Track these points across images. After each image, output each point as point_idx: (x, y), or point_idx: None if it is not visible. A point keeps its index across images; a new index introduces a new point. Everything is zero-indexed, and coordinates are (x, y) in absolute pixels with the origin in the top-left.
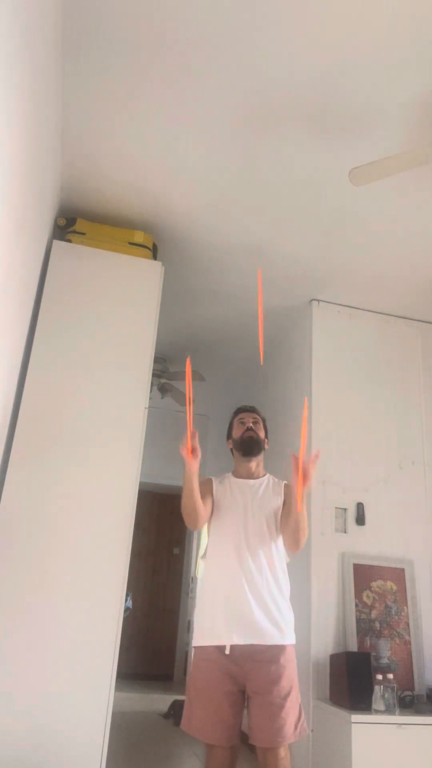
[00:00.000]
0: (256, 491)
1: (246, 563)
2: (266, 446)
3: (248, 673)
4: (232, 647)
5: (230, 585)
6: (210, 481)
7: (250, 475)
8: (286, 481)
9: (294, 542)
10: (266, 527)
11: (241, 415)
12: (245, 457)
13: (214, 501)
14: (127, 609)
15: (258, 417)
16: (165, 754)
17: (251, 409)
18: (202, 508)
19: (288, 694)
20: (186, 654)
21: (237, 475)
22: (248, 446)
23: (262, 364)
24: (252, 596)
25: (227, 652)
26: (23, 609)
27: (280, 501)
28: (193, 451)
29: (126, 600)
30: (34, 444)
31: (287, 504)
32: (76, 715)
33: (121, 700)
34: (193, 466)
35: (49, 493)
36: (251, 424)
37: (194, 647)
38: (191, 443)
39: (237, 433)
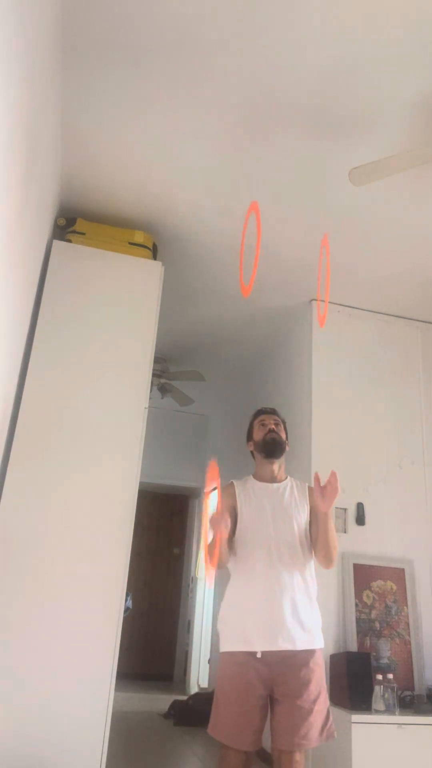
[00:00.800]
0: (282, 495)
1: (278, 568)
2: (288, 448)
3: (278, 676)
4: (264, 652)
5: (262, 590)
6: (232, 487)
7: (273, 479)
8: (309, 484)
9: (326, 560)
10: (296, 533)
11: (261, 417)
12: (267, 459)
13: (237, 507)
14: (127, 609)
15: (279, 419)
16: (165, 754)
17: (272, 411)
18: (227, 552)
19: (317, 698)
20: (186, 654)
21: (259, 478)
22: (271, 448)
23: (245, 296)
24: (284, 601)
25: (259, 656)
26: (23, 609)
27: (306, 506)
28: (225, 526)
29: (126, 600)
30: (34, 444)
31: (312, 508)
32: (76, 715)
33: (121, 700)
34: (225, 534)
35: (50, 494)
36: (273, 426)
37: (223, 652)
38: (223, 520)
39: (258, 435)
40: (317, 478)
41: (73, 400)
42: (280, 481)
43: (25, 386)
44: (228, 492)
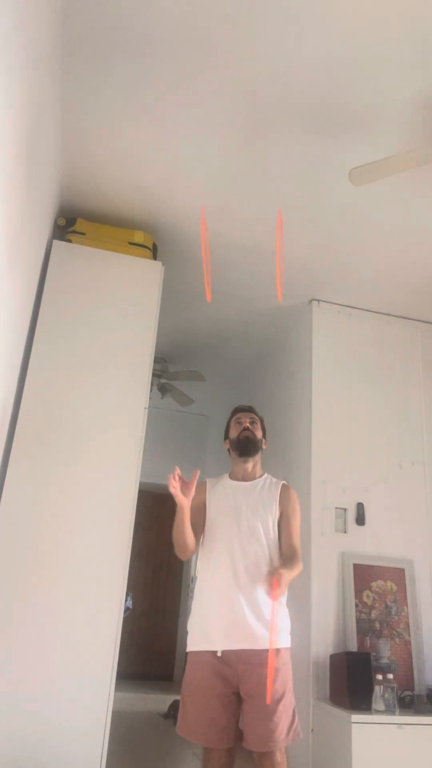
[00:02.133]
0: (251, 493)
1: (238, 567)
2: (264, 446)
3: (241, 675)
4: (224, 651)
5: (222, 589)
6: (203, 486)
7: (246, 477)
8: (284, 482)
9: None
10: (261, 530)
11: (238, 415)
12: (241, 457)
13: (206, 506)
14: (127, 609)
15: (256, 417)
16: (165, 754)
17: (248, 409)
18: (192, 543)
19: (281, 698)
20: (186, 654)
21: (233, 476)
22: (245, 446)
23: (280, 300)
24: (244, 600)
25: (219, 655)
26: (23, 609)
27: (275, 503)
28: (186, 486)
29: (126, 600)
30: (34, 444)
31: (283, 507)
32: (76, 715)
33: (121, 700)
34: (183, 502)
35: (50, 493)
36: (248, 424)
37: (188, 652)
38: (181, 481)
39: (234, 433)
40: (274, 581)
41: (73, 400)
42: (252, 479)
43: (25, 386)
44: (200, 490)
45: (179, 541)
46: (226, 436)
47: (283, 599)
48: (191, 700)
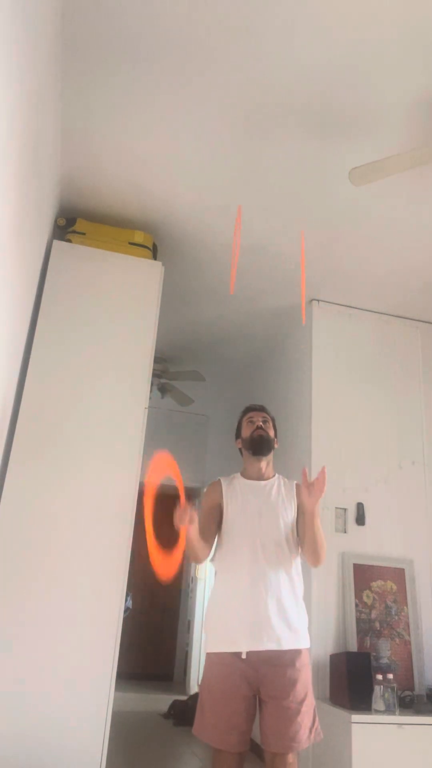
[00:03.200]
0: (269, 493)
1: (262, 567)
2: (276, 445)
3: (264, 677)
4: (249, 653)
5: (246, 589)
6: (218, 485)
7: (260, 476)
8: (297, 482)
9: (313, 558)
10: (282, 530)
11: (250, 414)
12: (255, 456)
13: (222, 505)
14: (127, 609)
15: (267, 416)
16: (165, 754)
17: (260, 408)
18: (204, 550)
19: (304, 699)
20: (186, 654)
21: (246, 475)
22: (258, 445)
23: (231, 293)
24: (270, 600)
25: (243, 657)
26: (23, 609)
27: (293, 504)
28: (191, 520)
29: (126, 600)
30: (34, 444)
31: (300, 506)
32: (76, 715)
33: (121, 700)
34: (193, 530)
35: (50, 493)
36: (261, 423)
37: (208, 653)
38: (187, 515)
39: (246, 432)
40: (305, 474)
41: (73, 400)
42: (267, 479)
43: (25, 386)
44: (214, 489)
45: (192, 555)
46: (238, 435)
47: (301, 595)
48: (212, 703)
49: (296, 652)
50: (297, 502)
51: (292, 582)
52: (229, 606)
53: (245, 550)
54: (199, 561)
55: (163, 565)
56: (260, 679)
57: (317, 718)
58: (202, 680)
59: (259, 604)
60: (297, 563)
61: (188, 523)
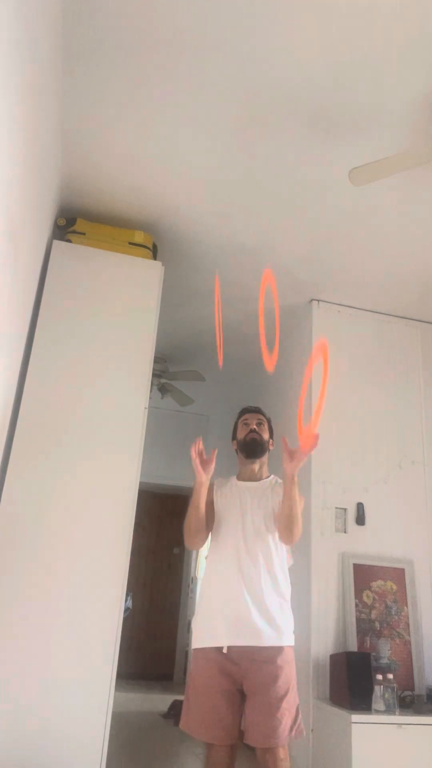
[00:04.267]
0: (256, 493)
1: (244, 565)
2: (271, 447)
3: (246, 672)
4: (230, 648)
5: (228, 587)
6: (211, 486)
7: (253, 477)
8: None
9: (287, 532)
10: (264, 528)
11: (245, 416)
12: (248, 459)
13: (214, 505)
14: (127, 609)
15: (263, 418)
16: (165, 754)
17: (256, 410)
18: (204, 531)
19: (284, 696)
20: (186, 654)
21: (240, 477)
22: (251, 448)
23: (220, 367)
24: (250, 598)
25: (224, 651)
26: (23, 609)
27: (277, 499)
28: (205, 462)
29: (126, 600)
30: (34, 444)
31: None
32: (76, 715)
33: (121, 700)
34: (203, 477)
35: (50, 493)
36: (255, 426)
37: (193, 649)
38: (202, 449)
39: (241, 434)
40: (285, 442)
41: (73, 400)
42: (260, 480)
43: (25, 386)
44: (209, 489)
45: (192, 523)
46: (234, 437)
47: (288, 597)
48: (195, 697)
49: (278, 649)
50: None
51: (275, 580)
52: (213, 603)
53: (229, 548)
54: (197, 537)
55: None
56: (242, 673)
57: (300, 716)
58: (188, 676)
59: (239, 600)
60: (283, 563)
61: (203, 463)
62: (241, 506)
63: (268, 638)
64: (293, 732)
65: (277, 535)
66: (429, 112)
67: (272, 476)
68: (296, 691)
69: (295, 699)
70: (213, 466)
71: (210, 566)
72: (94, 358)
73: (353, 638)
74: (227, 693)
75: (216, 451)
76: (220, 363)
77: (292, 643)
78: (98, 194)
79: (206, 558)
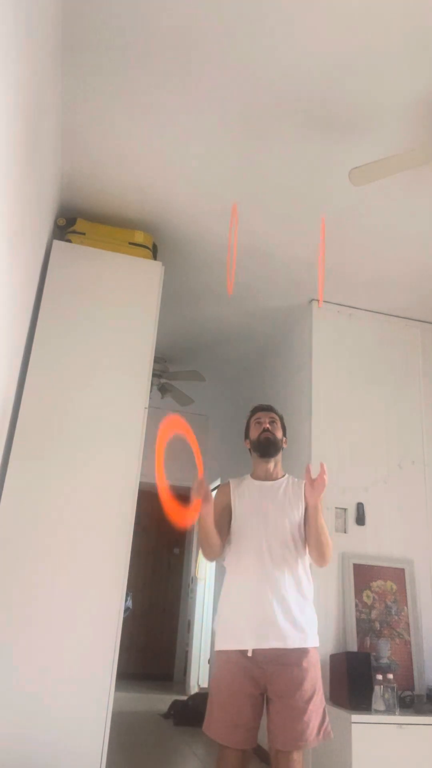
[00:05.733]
0: (276, 493)
1: (268, 567)
2: (285, 445)
3: (270, 676)
4: (255, 651)
5: (253, 589)
6: (227, 487)
7: (269, 477)
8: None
9: (319, 557)
10: (288, 530)
11: (257, 415)
12: (263, 458)
13: (231, 506)
14: (127, 609)
15: (275, 416)
16: (165, 754)
17: (268, 408)
18: (219, 544)
19: (311, 698)
20: (186, 654)
21: (255, 476)
22: (265, 447)
23: (229, 294)
24: (275, 600)
25: (249, 654)
26: (23, 609)
27: (301, 503)
28: (206, 497)
29: (126, 600)
30: (34, 444)
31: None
32: (76, 715)
33: (121, 700)
34: (207, 509)
35: (49, 493)
36: (268, 425)
37: (217, 651)
38: (204, 488)
39: (254, 433)
40: (308, 470)
41: (73, 400)
42: (275, 479)
43: (25, 386)
44: (223, 491)
45: (206, 545)
46: (247, 436)
47: (311, 597)
48: (219, 701)
49: (303, 651)
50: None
51: (299, 581)
52: (236, 605)
53: (252, 550)
54: (211, 554)
55: (178, 514)
56: (267, 677)
57: (327, 718)
58: (211, 677)
59: (264, 603)
60: (305, 563)
61: (203, 498)
62: (262, 507)
63: (293, 640)
64: (321, 734)
65: (301, 540)
66: (429, 112)
67: (287, 475)
68: (322, 693)
69: (322, 701)
70: (211, 493)
71: (232, 568)
72: (94, 358)
73: (353, 638)
74: (251, 697)
75: (203, 478)
76: (230, 290)
77: (317, 644)
78: (98, 194)
79: (226, 560)
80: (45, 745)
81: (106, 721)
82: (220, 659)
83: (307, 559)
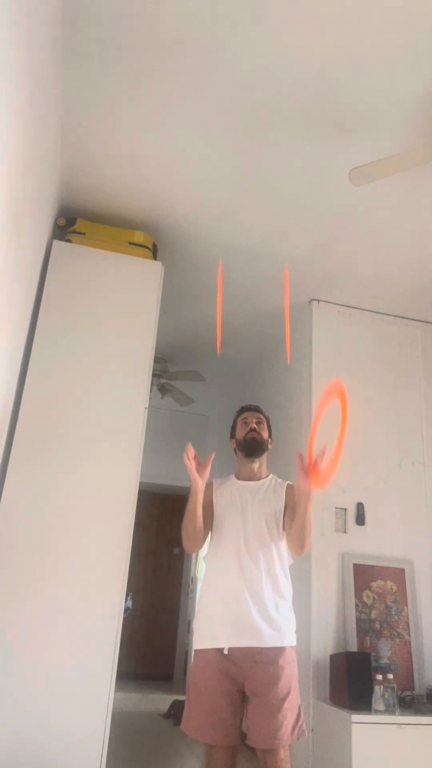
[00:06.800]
0: (256, 493)
1: (245, 565)
2: (270, 446)
3: (247, 673)
4: (231, 649)
5: (229, 588)
6: (210, 486)
7: (252, 477)
8: (289, 482)
9: (298, 544)
10: (266, 529)
11: (244, 415)
12: (248, 458)
13: (213, 505)
14: (127, 609)
15: (262, 417)
16: (165, 754)
17: (255, 409)
18: (202, 534)
19: (286, 696)
20: (186, 654)
21: (239, 476)
22: (251, 447)
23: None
24: (250, 599)
25: (226, 653)
26: (23, 609)
27: (281, 503)
28: (200, 467)
29: (126, 600)
30: (34, 444)
31: (290, 506)
32: (76, 715)
33: (121, 700)
34: (199, 483)
35: (50, 493)
36: (254, 425)
37: (194, 650)
38: (195, 460)
39: (240, 433)
40: (300, 458)
41: (72, 400)
42: (259, 479)
43: (25, 386)
44: (207, 489)
45: (189, 528)
46: (233, 435)
47: (289, 597)
48: (197, 698)
49: (279, 650)
50: (285, 502)
51: (275, 581)
52: (213, 604)
53: (230, 549)
54: (195, 541)
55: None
56: (243, 674)
57: (302, 716)
58: (189, 676)
59: (240, 601)
60: (283, 563)
61: (199, 471)
62: (241, 506)
63: (269, 639)
64: (295, 733)
65: (280, 539)
66: (429, 112)
67: (272, 475)
68: (298, 692)
69: (297, 699)
70: (208, 469)
71: (210, 567)
72: (94, 358)
73: (353, 638)
74: (228, 694)
75: (213, 455)
76: (218, 350)
77: (294, 644)
78: (98, 194)
79: (205, 558)
80: (45, 745)
81: (106, 721)
82: (197, 658)
83: (286, 558)
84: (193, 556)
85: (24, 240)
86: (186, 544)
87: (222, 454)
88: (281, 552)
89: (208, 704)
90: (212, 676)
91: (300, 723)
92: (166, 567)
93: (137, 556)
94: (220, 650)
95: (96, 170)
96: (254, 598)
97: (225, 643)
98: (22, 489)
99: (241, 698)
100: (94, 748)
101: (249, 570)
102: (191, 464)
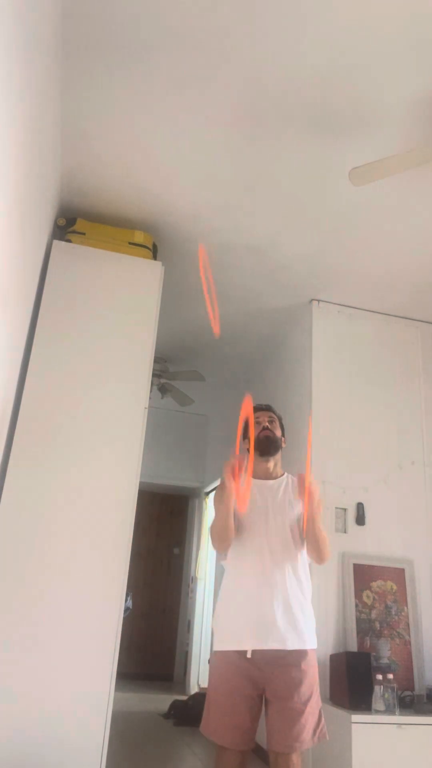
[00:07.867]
0: (276, 492)
1: (269, 566)
2: (284, 444)
3: (269, 677)
4: (254, 652)
5: (253, 589)
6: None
7: (268, 476)
8: (301, 473)
9: (316, 554)
10: (288, 529)
11: (256, 414)
12: (263, 457)
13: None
14: (127, 609)
15: (274, 415)
16: (165, 754)
17: (267, 408)
18: (233, 532)
19: (308, 700)
20: (186, 654)
21: (255, 475)
22: (265, 446)
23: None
24: (275, 600)
25: (249, 656)
26: (23, 609)
27: (300, 507)
28: (238, 470)
29: (126, 600)
30: (34, 444)
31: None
32: (76, 715)
33: (121, 700)
34: (233, 485)
35: (49, 493)
36: (267, 423)
37: (215, 651)
38: (239, 462)
39: (254, 432)
40: (301, 479)
41: (72, 400)
42: (275, 478)
43: (25, 386)
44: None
45: (222, 528)
46: (245, 435)
47: (310, 597)
48: (215, 700)
49: (302, 653)
50: (305, 500)
51: (299, 582)
52: (236, 605)
53: (253, 550)
54: (226, 540)
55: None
56: (265, 678)
57: (323, 719)
58: (209, 678)
59: (264, 603)
60: (305, 564)
61: (236, 473)
62: (262, 507)
63: (292, 642)
64: (316, 736)
65: (302, 540)
66: (429, 112)
67: (286, 474)
68: (319, 694)
69: (318, 702)
70: (241, 471)
71: (232, 567)
72: (94, 358)
73: (353, 638)
74: (249, 699)
75: (244, 458)
76: (216, 333)
77: (315, 646)
78: (98, 194)
79: (225, 559)
80: (45, 744)
81: (106, 721)
82: (218, 659)
83: (306, 558)
84: (193, 555)
85: (24, 240)
86: (218, 544)
87: (222, 455)
88: (302, 552)
89: (228, 708)
90: (234, 679)
91: (321, 726)
92: (166, 567)
93: (137, 556)
94: (242, 653)
95: (96, 170)
96: (279, 599)
97: (248, 646)
98: (22, 489)
99: (260, 703)
100: (94, 749)
101: (273, 571)
102: (233, 473)
